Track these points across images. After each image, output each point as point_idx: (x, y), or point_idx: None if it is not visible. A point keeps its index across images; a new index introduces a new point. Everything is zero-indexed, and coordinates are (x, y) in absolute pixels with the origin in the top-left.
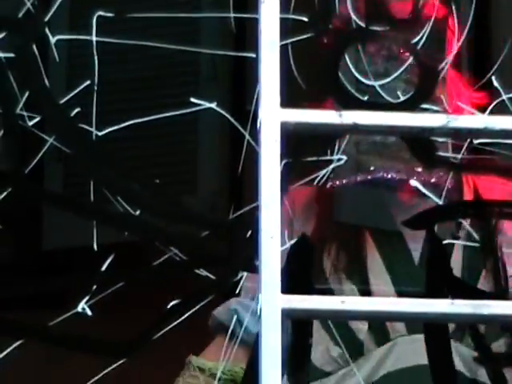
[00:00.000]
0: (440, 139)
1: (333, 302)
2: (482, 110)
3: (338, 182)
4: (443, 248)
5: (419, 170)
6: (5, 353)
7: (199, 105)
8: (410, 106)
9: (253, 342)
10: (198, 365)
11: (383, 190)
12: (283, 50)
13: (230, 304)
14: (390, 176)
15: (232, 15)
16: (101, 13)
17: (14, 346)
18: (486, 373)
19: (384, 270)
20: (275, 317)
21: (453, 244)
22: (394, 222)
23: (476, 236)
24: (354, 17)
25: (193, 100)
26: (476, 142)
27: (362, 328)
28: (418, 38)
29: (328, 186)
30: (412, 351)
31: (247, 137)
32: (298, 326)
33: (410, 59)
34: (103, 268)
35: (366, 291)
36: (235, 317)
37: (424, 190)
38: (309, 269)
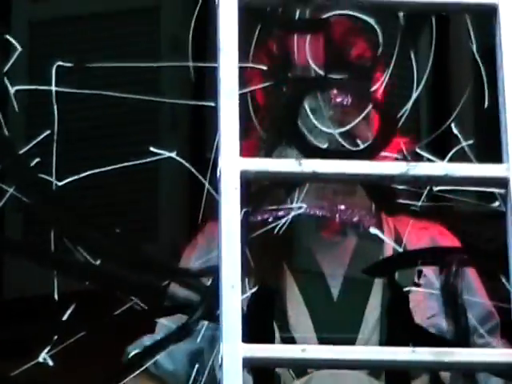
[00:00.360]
0: (399, 186)
1: (293, 351)
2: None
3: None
4: (404, 295)
5: (342, 207)
6: None
7: (159, 154)
8: (369, 153)
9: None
10: None
11: (304, 227)
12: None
13: (142, 341)
14: (312, 212)
15: (191, 64)
16: (60, 63)
17: None
18: None
19: (303, 305)
20: (237, 366)
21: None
22: (314, 260)
23: (436, 283)
24: (312, 65)
25: (152, 149)
26: (436, 189)
27: None
28: (376, 85)
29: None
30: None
31: (207, 185)
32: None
33: (369, 107)
34: (64, 317)
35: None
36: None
37: (383, 237)
38: (269, 317)
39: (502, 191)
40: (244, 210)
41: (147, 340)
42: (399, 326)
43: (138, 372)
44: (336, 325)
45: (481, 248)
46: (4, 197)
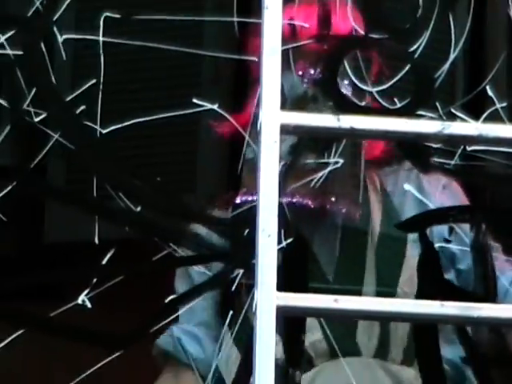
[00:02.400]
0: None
1: (326, 301)
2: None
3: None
4: (435, 252)
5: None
6: (6, 341)
7: (201, 106)
8: (406, 112)
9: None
10: None
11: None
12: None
13: (171, 332)
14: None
15: (236, 19)
16: (108, 14)
17: (15, 335)
18: (473, 373)
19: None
20: (271, 314)
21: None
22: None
23: (467, 240)
24: (354, 24)
25: (195, 101)
26: (469, 148)
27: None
28: (416, 46)
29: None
30: (337, 378)
31: (247, 138)
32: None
33: (407, 67)
34: (104, 262)
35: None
36: (179, 345)
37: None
38: (304, 268)
39: None
40: (282, 162)
41: (177, 331)
42: (429, 281)
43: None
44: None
45: (510, 208)
46: (49, 143)
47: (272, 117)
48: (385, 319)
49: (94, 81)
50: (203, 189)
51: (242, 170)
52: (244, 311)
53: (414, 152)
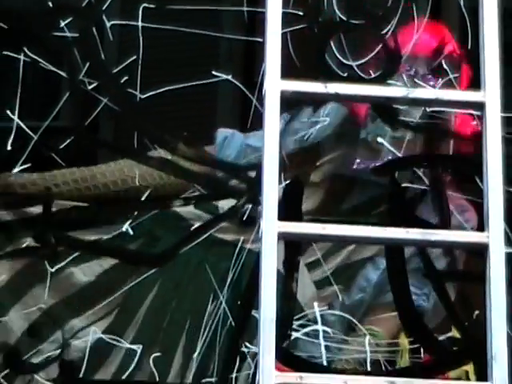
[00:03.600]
0: (401, 107)
1: (316, 228)
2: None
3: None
4: (402, 190)
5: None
6: (64, 263)
7: (218, 76)
8: (379, 81)
9: None
10: None
11: None
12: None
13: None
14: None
15: (245, 9)
16: (145, 4)
17: (72, 257)
18: (433, 287)
19: None
20: (273, 239)
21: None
22: None
23: (427, 181)
24: (337, 12)
25: (214, 73)
26: (428, 109)
27: None
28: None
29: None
30: None
31: (254, 101)
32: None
33: (379, 46)
34: (142, 198)
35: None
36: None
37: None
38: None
39: (479, 113)
40: (282, 120)
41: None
42: (398, 214)
43: None
44: None
45: (461, 157)
46: (99, 106)
47: (274, 85)
48: (362, 243)
49: (134, 57)
50: None
51: (251, 126)
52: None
53: (386, 112)
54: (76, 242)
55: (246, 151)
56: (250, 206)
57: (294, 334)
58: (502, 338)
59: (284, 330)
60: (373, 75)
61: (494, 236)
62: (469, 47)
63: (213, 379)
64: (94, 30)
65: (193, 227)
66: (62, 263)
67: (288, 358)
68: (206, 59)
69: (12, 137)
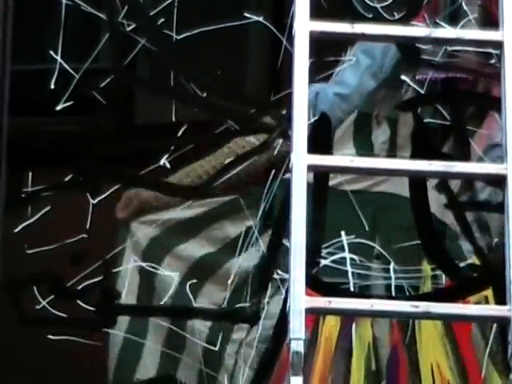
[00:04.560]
0: (424, 46)
1: (346, 161)
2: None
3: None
4: (425, 125)
5: None
6: (106, 194)
7: (250, 18)
8: (402, 22)
9: None
10: None
11: None
12: None
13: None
14: None
15: None
16: None
17: (114, 188)
18: (454, 217)
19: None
20: (303, 171)
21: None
22: None
23: (448, 117)
24: None
25: (246, 14)
26: (450, 49)
27: None
28: None
29: None
30: None
31: (284, 42)
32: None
33: None
34: (179, 134)
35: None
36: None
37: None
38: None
39: (498, 52)
40: (311, 60)
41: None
42: (419, 149)
43: None
44: None
45: (480, 93)
46: (137, 46)
47: (303, 25)
48: (386, 175)
49: (170, 0)
50: (253, 79)
51: (281, 66)
52: None
53: (409, 51)
54: (117, 175)
55: (336, 101)
56: (281, 140)
57: (323, 262)
58: None
59: (313, 258)
60: (396, 16)
61: None
62: None
63: (246, 304)
64: None
65: (227, 161)
66: (103, 195)
67: (317, 284)
68: (239, 2)
69: (55, 77)
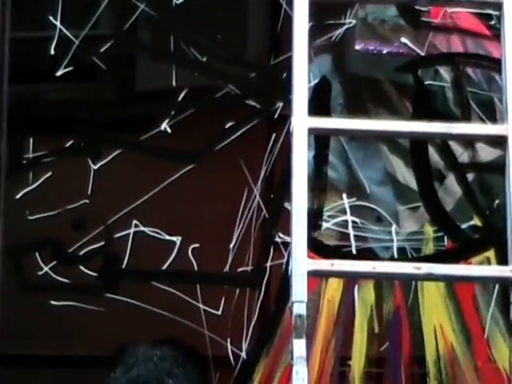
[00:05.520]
0: (423, 8)
1: (346, 123)
2: None
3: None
4: (426, 89)
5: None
6: (108, 159)
7: None
8: None
9: None
10: None
11: None
12: None
13: None
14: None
15: None
16: None
17: (114, 154)
18: (455, 179)
19: None
20: (303, 133)
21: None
22: None
23: (448, 79)
24: None
25: None
26: (449, 10)
27: None
28: None
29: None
30: None
31: (284, 5)
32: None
33: None
34: (179, 99)
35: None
36: None
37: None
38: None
39: (497, 13)
40: (311, 23)
41: None
42: (420, 111)
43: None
44: None
45: (480, 54)
46: (137, 11)
47: None
48: (391, 136)
49: None
50: (253, 44)
51: (280, 30)
52: None
53: (410, 11)
54: (118, 140)
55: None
56: (281, 104)
57: (325, 225)
58: None
59: (315, 221)
60: None
61: None
62: None
63: (248, 268)
64: None
65: (227, 125)
66: (104, 161)
67: (319, 247)
68: None
69: (54, 42)
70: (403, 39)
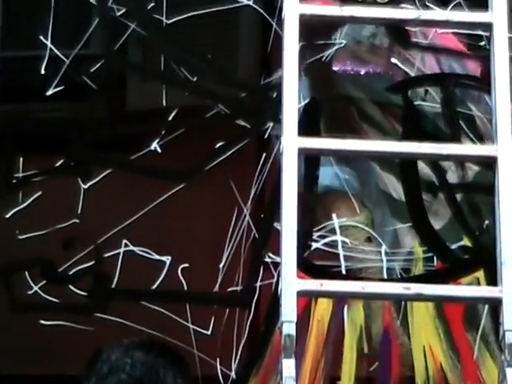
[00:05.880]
0: (413, 29)
1: (336, 143)
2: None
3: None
4: (415, 108)
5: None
6: (97, 178)
7: (240, 1)
8: (391, 4)
9: None
10: None
11: None
12: None
13: None
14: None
15: None
16: None
17: (105, 173)
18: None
19: None
20: (293, 154)
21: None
22: None
23: (438, 99)
24: None
25: None
26: (439, 31)
27: None
28: None
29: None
30: None
31: (274, 25)
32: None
33: None
34: (170, 118)
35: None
36: None
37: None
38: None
39: (487, 34)
40: (301, 43)
41: None
42: (409, 131)
43: None
44: None
45: (470, 75)
46: (127, 31)
47: (293, 8)
48: (376, 156)
49: None
50: (243, 63)
51: (271, 49)
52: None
53: (398, 33)
54: (108, 159)
55: None
56: (272, 124)
57: (314, 245)
58: (511, 246)
59: (305, 241)
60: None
61: (502, 149)
62: None
63: (238, 288)
64: None
65: (217, 145)
66: (94, 180)
67: (309, 267)
68: None
69: (45, 62)
70: (393, 60)
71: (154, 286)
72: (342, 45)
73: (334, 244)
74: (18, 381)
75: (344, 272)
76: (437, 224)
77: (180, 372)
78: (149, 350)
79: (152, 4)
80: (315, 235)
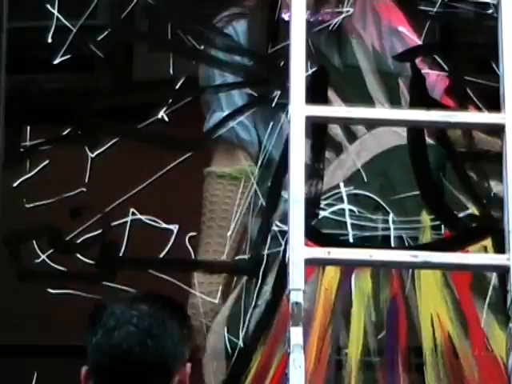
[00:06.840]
0: None
1: (344, 111)
2: None
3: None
4: (422, 76)
5: None
6: (105, 147)
7: None
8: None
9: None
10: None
11: None
12: None
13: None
14: None
15: None
16: None
17: (112, 142)
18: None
19: None
20: (301, 122)
21: None
22: None
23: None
24: None
25: None
26: None
27: None
28: None
29: None
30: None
31: None
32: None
33: None
34: (177, 86)
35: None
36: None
37: None
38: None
39: (495, 1)
40: (308, 12)
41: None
42: (418, 98)
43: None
44: None
45: (476, 42)
46: (134, 1)
47: None
48: (385, 124)
49: None
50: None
51: (278, 18)
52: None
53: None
54: (115, 128)
55: None
56: (279, 92)
57: (322, 213)
58: None
59: (312, 209)
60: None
61: (510, 117)
62: None
63: (245, 256)
64: None
65: (225, 113)
66: (102, 149)
67: (317, 236)
68: None
69: (52, 30)
70: (401, 28)
71: (162, 255)
72: (350, 12)
73: (341, 212)
74: (27, 351)
75: (351, 240)
76: (444, 192)
77: (183, 321)
78: (152, 302)
79: None
80: (322, 203)
